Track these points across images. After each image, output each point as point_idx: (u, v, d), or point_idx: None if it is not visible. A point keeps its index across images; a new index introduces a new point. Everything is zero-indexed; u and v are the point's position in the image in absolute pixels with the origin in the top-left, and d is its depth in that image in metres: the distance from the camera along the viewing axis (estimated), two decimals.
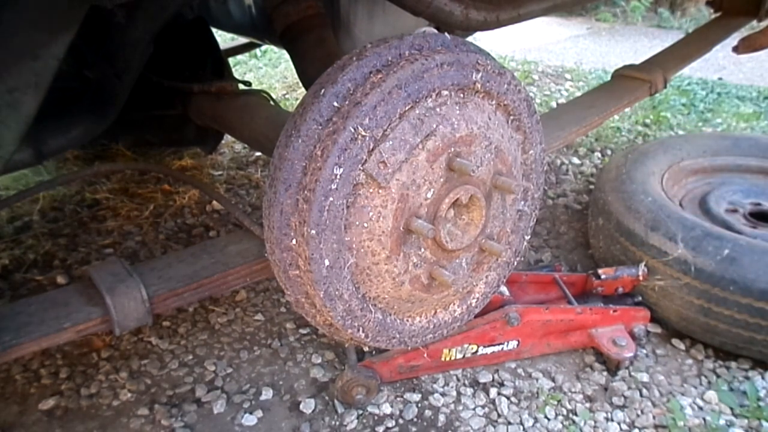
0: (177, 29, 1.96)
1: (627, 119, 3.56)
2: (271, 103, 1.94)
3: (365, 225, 1.09)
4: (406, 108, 1.07)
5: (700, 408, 1.64)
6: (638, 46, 5.70)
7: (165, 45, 1.73)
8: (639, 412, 1.61)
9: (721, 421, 1.58)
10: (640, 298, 1.85)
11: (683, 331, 1.83)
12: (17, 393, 1.64)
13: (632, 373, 1.73)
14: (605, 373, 1.74)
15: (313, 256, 1.06)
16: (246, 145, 3.02)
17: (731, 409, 1.63)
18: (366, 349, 1.61)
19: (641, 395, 1.67)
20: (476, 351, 1.68)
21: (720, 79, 4.52)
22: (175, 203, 2.52)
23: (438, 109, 1.12)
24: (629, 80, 2.36)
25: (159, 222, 2.40)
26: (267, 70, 4.48)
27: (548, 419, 1.59)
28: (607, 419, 1.60)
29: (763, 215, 2.05)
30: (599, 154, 3.11)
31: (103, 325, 1.18)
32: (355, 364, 1.58)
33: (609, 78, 2.48)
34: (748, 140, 2.45)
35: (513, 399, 1.65)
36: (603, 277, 1.82)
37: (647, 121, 3.56)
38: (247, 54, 4.41)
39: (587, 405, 1.64)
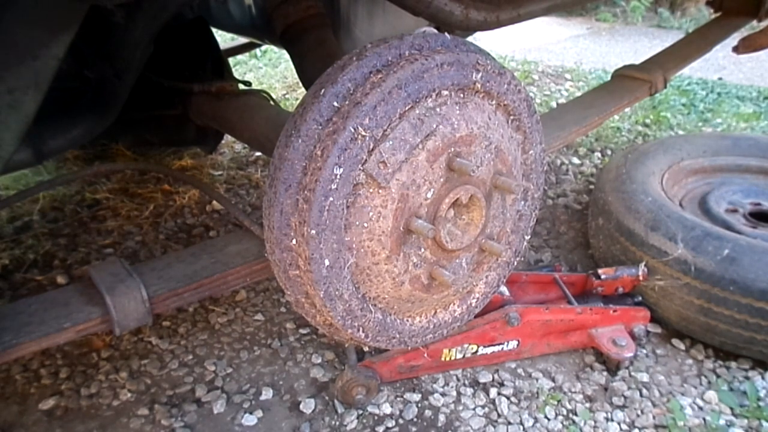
0: (177, 29, 1.96)
1: (627, 119, 3.56)
2: (271, 103, 1.94)
3: (365, 225, 1.09)
4: (406, 108, 1.07)
5: (700, 408, 1.64)
6: (638, 46, 5.70)
7: (165, 45, 1.73)
8: (639, 412, 1.61)
9: (721, 421, 1.58)
10: (640, 298, 1.85)
11: (683, 331, 1.83)
12: (17, 393, 1.64)
13: (632, 373, 1.73)
14: (605, 373, 1.74)
15: (313, 256, 1.06)
16: (246, 145, 3.02)
17: (731, 409, 1.63)
18: (366, 349, 1.61)
19: (641, 395, 1.67)
20: (476, 351, 1.68)
21: (720, 79, 4.52)
22: (175, 203, 2.52)
23: (438, 109, 1.12)
24: (629, 80, 2.36)
25: (159, 222, 2.40)
26: (267, 70, 4.48)
27: (548, 419, 1.59)
28: (607, 419, 1.60)
29: (763, 215, 2.05)
30: (599, 154, 3.11)
31: (103, 325, 1.18)
32: (355, 364, 1.58)
33: (609, 78, 2.48)
34: (748, 140, 2.45)
35: (513, 399, 1.65)
36: (603, 277, 1.82)
37: (647, 121, 3.56)
38: (247, 54, 4.41)
39: (587, 405, 1.64)
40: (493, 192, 1.27)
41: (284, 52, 2.41)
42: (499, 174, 1.25)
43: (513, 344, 1.71)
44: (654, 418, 1.59)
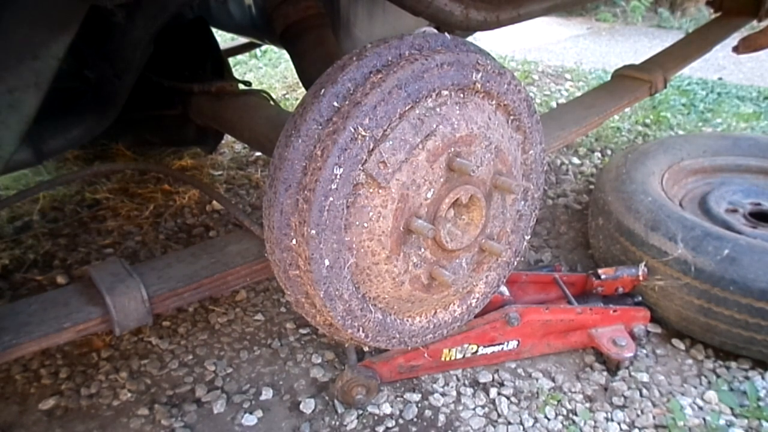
0: (177, 29, 1.96)
1: (627, 119, 3.56)
2: (271, 103, 1.94)
3: (365, 225, 1.09)
4: (406, 108, 1.07)
5: (700, 408, 1.64)
6: (638, 46, 5.70)
7: (165, 45, 1.73)
8: (639, 412, 1.61)
9: (721, 421, 1.58)
10: (640, 298, 1.85)
11: (683, 331, 1.83)
12: (17, 393, 1.64)
13: (632, 373, 1.73)
14: (605, 373, 1.74)
15: (313, 256, 1.06)
16: (246, 145, 3.02)
17: (731, 409, 1.63)
18: (366, 349, 1.61)
19: (641, 395, 1.67)
20: (476, 351, 1.68)
21: (720, 79, 4.52)
22: (175, 203, 2.52)
23: (438, 109, 1.12)
24: (629, 80, 2.36)
25: (159, 222, 2.40)
26: (267, 70, 4.48)
27: (548, 419, 1.59)
28: (607, 419, 1.60)
29: (763, 215, 2.05)
30: (599, 154, 3.11)
31: (103, 325, 1.18)
32: (355, 364, 1.58)
33: (609, 78, 2.48)
34: (748, 140, 2.45)
35: (513, 399, 1.65)
36: (603, 277, 1.82)
37: (647, 121, 3.56)
38: (247, 54, 4.41)
39: (587, 405, 1.64)
40: (493, 192, 1.27)
41: (284, 52, 2.41)
42: (499, 174, 1.25)
43: (513, 344, 1.71)
44: (654, 418, 1.59)
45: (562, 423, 1.58)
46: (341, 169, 1.03)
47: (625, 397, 1.66)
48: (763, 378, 1.72)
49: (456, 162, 1.13)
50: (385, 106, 1.05)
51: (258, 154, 3.00)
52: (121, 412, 1.59)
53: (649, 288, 1.82)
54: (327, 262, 1.08)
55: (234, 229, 2.32)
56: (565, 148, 3.15)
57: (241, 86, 2.03)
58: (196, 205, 2.52)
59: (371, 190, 1.08)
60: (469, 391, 1.67)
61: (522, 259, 2.17)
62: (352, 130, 1.02)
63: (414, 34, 1.15)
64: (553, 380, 1.72)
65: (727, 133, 3.31)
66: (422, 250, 1.19)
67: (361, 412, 1.60)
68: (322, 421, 1.57)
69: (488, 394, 1.66)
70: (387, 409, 1.61)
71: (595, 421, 1.59)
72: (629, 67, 2.44)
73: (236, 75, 2.83)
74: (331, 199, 1.03)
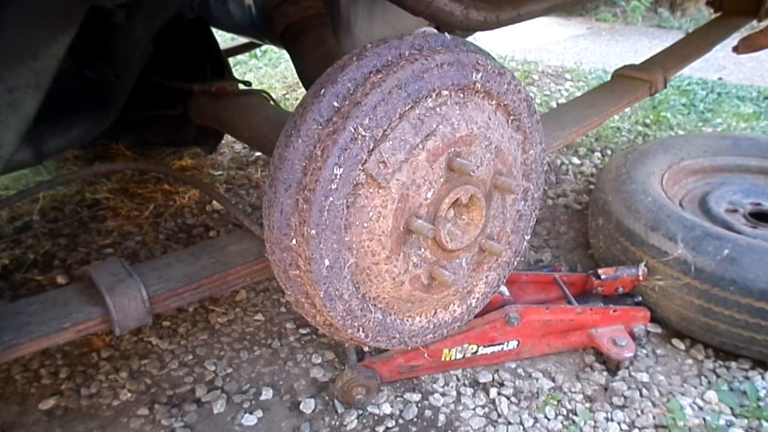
0: (177, 29, 1.96)
1: (627, 119, 3.56)
2: (271, 103, 1.94)
3: (365, 225, 1.09)
4: (406, 108, 1.07)
5: (700, 408, 1.64)
6: (638, 46, 5.70)
7: (165, 45, 1.73)
8: (639, 412, 1.61)
9: (721, 421, 1.58)
10: (640, 298, 1.85)
11: (683, 331, 1.83)
12: (17, 393, 1.64)
13: (632, 373, 1.73)
14: (605, 373, 1.74)
15: (313, 256, 1.06)
16: (246, 145, 3.02)
17: (731, 409, 1.63)
18: (366, 349, 1.61)
19: (641, 395, 1.67)
20: (476, 351, 1.68)
21: (720, 79, 4.52)
22: (175, 203, 2.52)
23: (438, 109, 1.12)
24: (629, 80, 2.36)
25: (159, 222, 2.40)
26: (267, 70, 4.48)
27: (548, 419, 1.59)
28: (607, 419, 1.60)
29: (763, 215, 2.05)
30: (599, 154, 3.11)
31: (103, 325, 1.18)
32: (355, 364, 1.58)
33: (609, 78, 2.48)
34: (748, 140, 2.45)
35: (513, 399, 1.65)
36: (603, 277, 1.82)
37: (647, 121, 3.56)
38: (247, 54, 4.41)
39: (587, 405, 1.64)
40: (493, 192, 1.27)
41: (284, 52, 2.41)
42: (499, 174, 1.25)
43: (513, 344, 1.71)
44: (654, 418, 1.59)
45: (562, 423, 1.58)
46: (341, 169, 1.03)
47: (625, 397, 1.66)
48: (763, 378, 1.72)
49: (456, 162, 1.13)
50: (385, 106, 1.04)
51: (258, 154, 3.00)
52: (121, 412, 1.59)
53: (649, 288, 1.82)
54: (327, 262, 1.08)
55: (234, 229, 2.32)
56: (565, 148, 3.15)
57: (241, 86, 2.03)
58: (196, 205, 2.52)
59: (371, 190, 1.08)
60: (469, 391, 1.67)
61: (522, 259, 2.17)
62: (352, 130, 1.02)
63: (414, 34, 1.15)
64: (553, 380, 1.72)
65: (727, 133, 3.30)
66: (422, 250, 1.19)
67: (361, 412, 1.60)
68: (322, 421, 1.57)
69: (488, 394, 1.66)
70: (387, 409, 1.61)
71: (595, 421, 1.59)
72: (629, 67, 2.44)
73: (236, 75, 2.83)
74: (331, 199, 1.03)
